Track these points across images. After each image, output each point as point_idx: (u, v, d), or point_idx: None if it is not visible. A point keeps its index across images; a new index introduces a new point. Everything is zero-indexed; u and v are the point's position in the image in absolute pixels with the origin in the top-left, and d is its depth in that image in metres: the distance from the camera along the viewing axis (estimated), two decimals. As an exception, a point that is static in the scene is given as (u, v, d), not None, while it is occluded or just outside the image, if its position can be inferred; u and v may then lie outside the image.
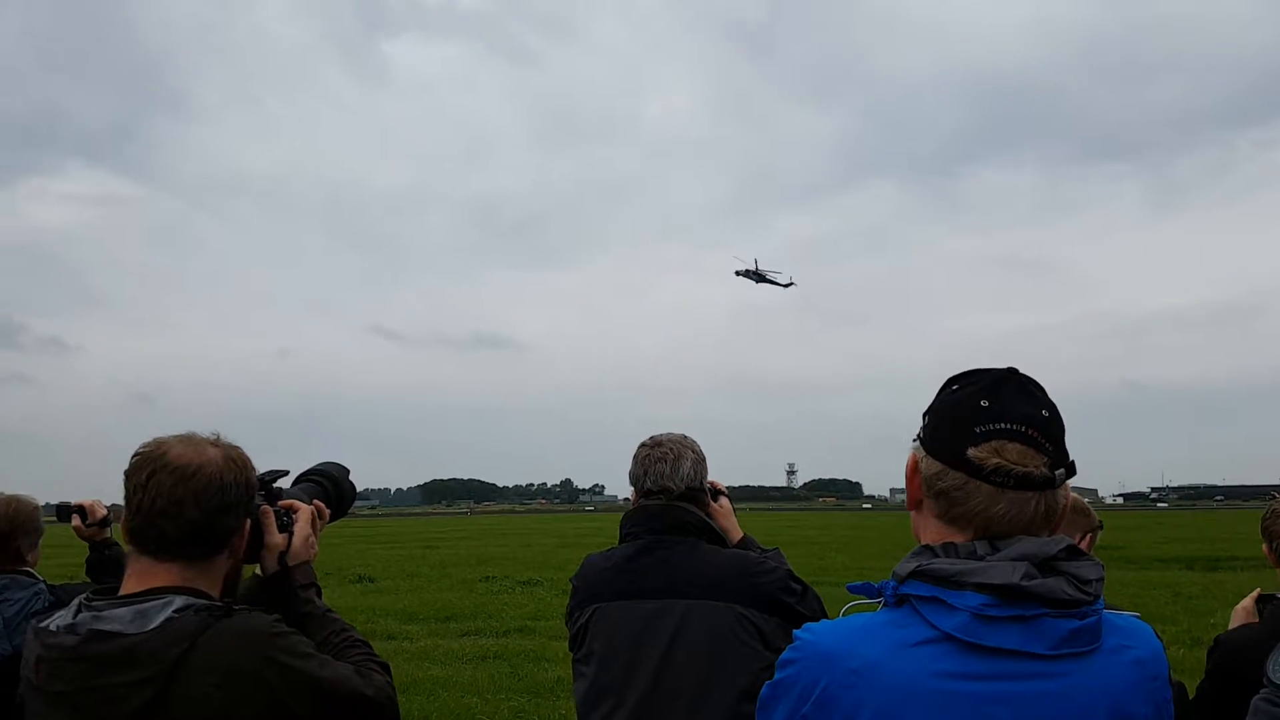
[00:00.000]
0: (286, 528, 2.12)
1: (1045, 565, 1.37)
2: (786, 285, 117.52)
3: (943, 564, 1.38)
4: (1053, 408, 1.47)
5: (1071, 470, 1.45)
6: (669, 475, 2.88)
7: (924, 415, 1.53)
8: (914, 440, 1.54)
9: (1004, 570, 1.35)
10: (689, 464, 2.91)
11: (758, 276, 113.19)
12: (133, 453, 1.91)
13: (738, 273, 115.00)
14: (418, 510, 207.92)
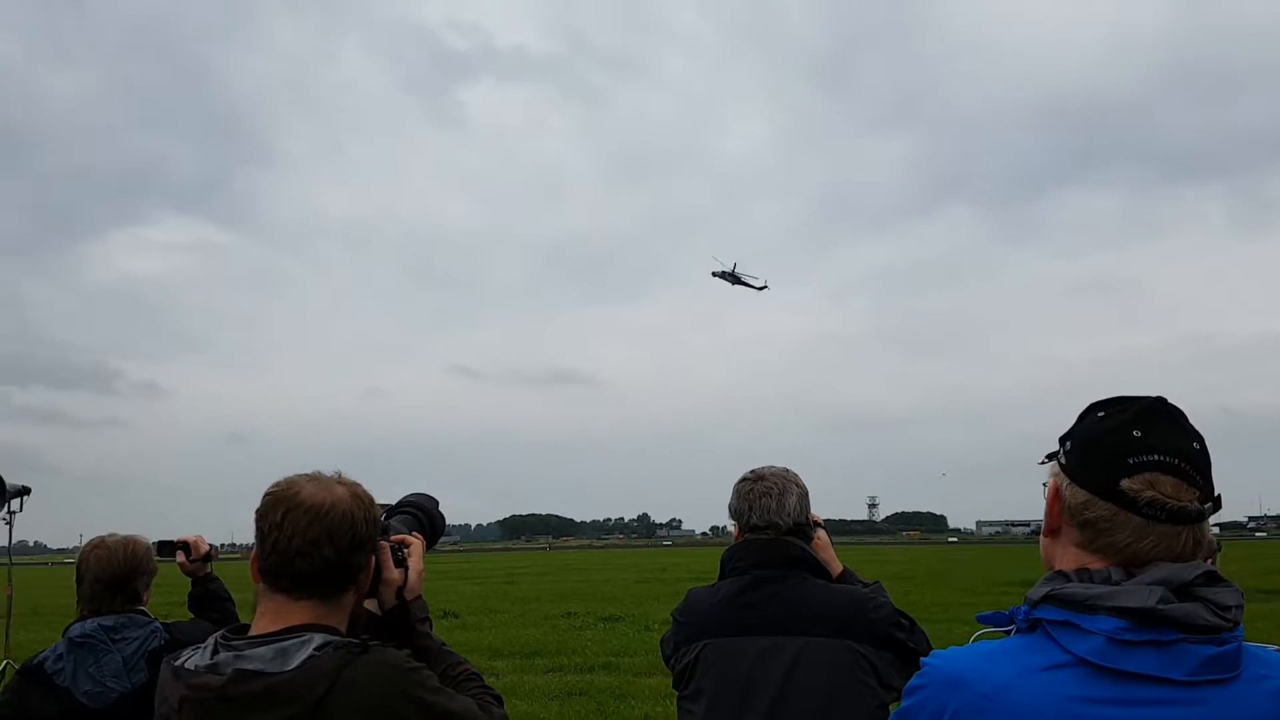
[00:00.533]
0: (402, 563, 2.14)
1: (1182, 590, 1.34)
2: (761, 288, 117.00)
3: (1076, 588, 1.36)
4: (1201, 440, 1.44)
5: (1218, 504, 1.42)
6: (775, 510, 2.83)
7: (1062, 441, 1.50)
8: (1054, 464, 1.52)
9: (1140, 594, 1.32)
10: (794, 498, 2.86)
11: (734, 279, 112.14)
12: (264, 492, 1.93)
13: (714, 274, 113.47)
14: (497, 545, 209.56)
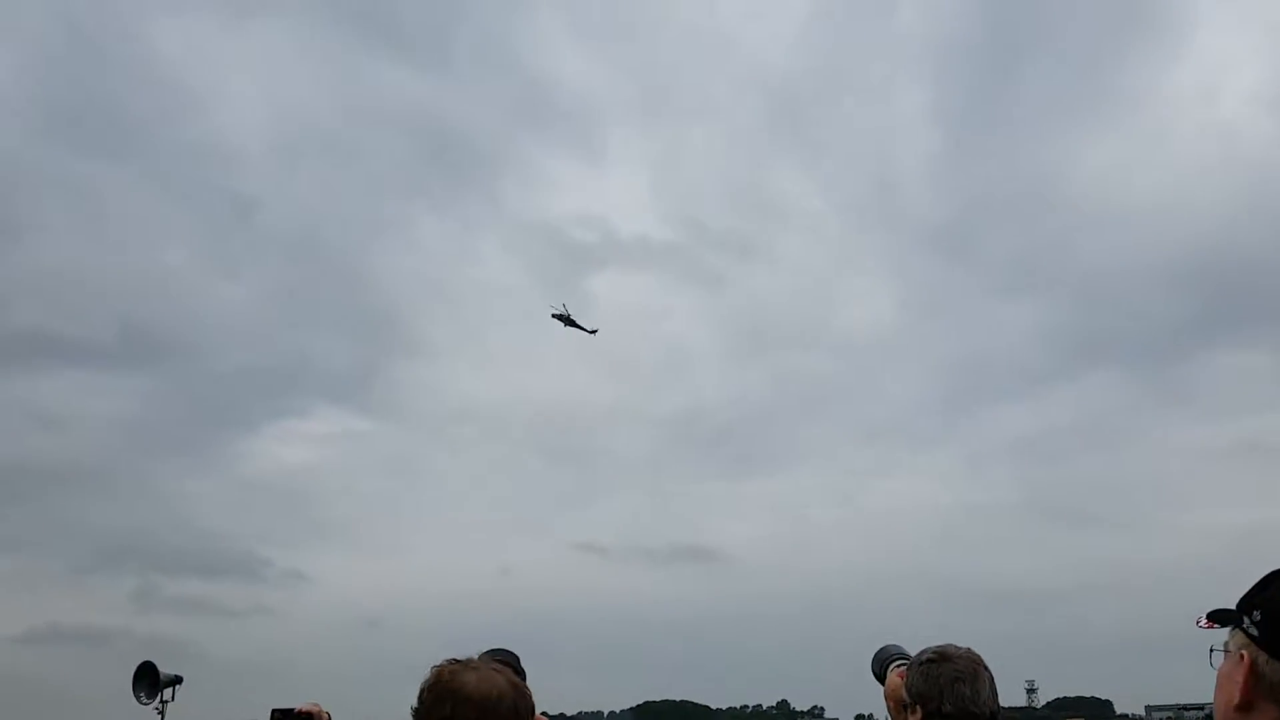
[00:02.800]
0: None
1: None
2: (592, 331, 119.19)
3: None
4: None
5: None
6: (971, 698, 2.56)
7: (1247, 610, 1.42)
8: (1236, 633, 1.44)
9: None
10: (988, 684, 2.63)
11: (566, 320, 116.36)
12: (421, 685, 1.95)
13: (553, 315, 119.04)
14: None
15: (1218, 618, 1.48)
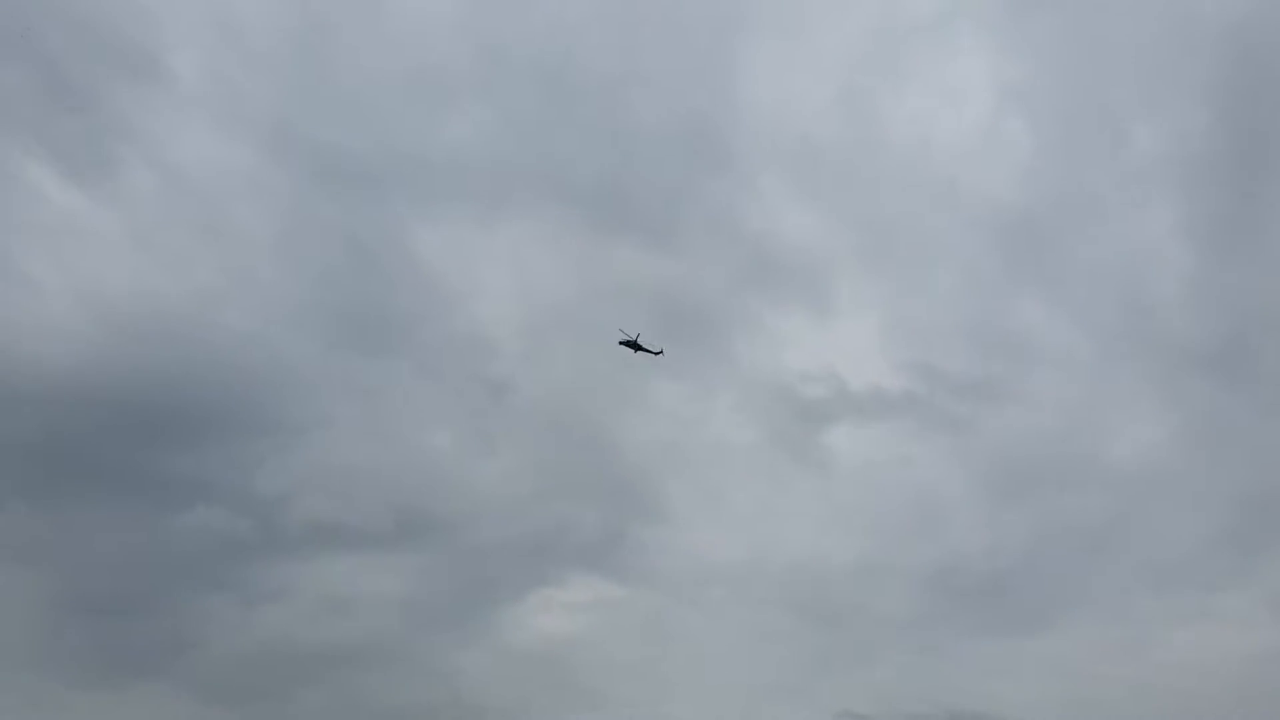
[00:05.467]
0: None
1: None
2: (657, 353, 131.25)
3: None
4: None
5: None
6: None
7: None
8: None
9: None
10: None
11: (635, 346, 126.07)
12: None
13: (621, 343, 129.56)
14: None
15: None
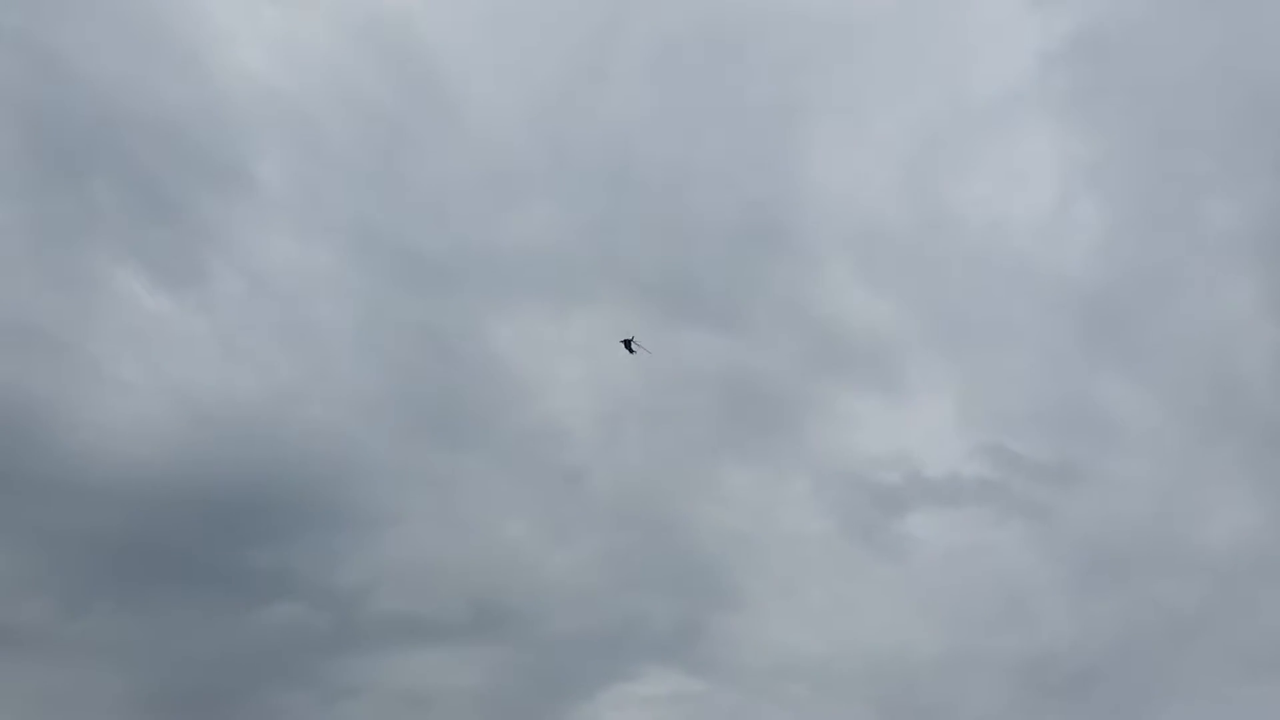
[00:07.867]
0: None
1: None
2: (647, 352, 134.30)
3: None
4: None
5: None
6: None
7: None
8: None
9: None
10: None
11: (630, 347, 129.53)
12: None
13: (621, 341, 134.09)
14: None
15: None
